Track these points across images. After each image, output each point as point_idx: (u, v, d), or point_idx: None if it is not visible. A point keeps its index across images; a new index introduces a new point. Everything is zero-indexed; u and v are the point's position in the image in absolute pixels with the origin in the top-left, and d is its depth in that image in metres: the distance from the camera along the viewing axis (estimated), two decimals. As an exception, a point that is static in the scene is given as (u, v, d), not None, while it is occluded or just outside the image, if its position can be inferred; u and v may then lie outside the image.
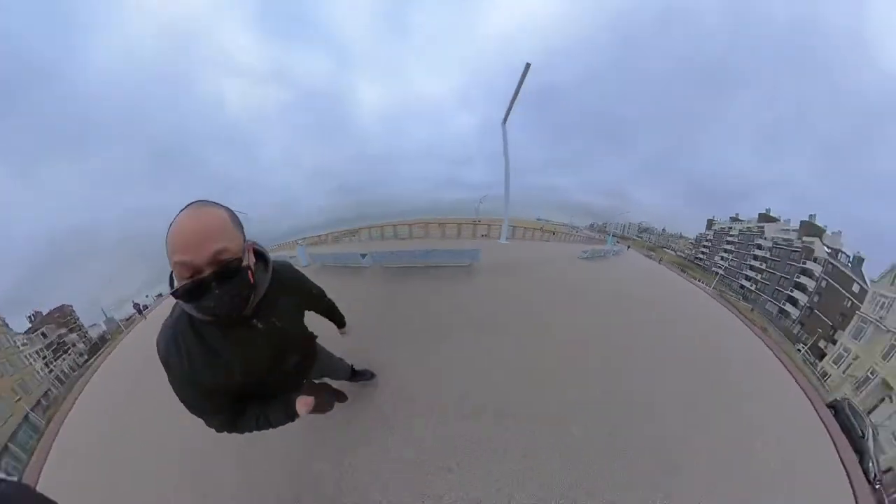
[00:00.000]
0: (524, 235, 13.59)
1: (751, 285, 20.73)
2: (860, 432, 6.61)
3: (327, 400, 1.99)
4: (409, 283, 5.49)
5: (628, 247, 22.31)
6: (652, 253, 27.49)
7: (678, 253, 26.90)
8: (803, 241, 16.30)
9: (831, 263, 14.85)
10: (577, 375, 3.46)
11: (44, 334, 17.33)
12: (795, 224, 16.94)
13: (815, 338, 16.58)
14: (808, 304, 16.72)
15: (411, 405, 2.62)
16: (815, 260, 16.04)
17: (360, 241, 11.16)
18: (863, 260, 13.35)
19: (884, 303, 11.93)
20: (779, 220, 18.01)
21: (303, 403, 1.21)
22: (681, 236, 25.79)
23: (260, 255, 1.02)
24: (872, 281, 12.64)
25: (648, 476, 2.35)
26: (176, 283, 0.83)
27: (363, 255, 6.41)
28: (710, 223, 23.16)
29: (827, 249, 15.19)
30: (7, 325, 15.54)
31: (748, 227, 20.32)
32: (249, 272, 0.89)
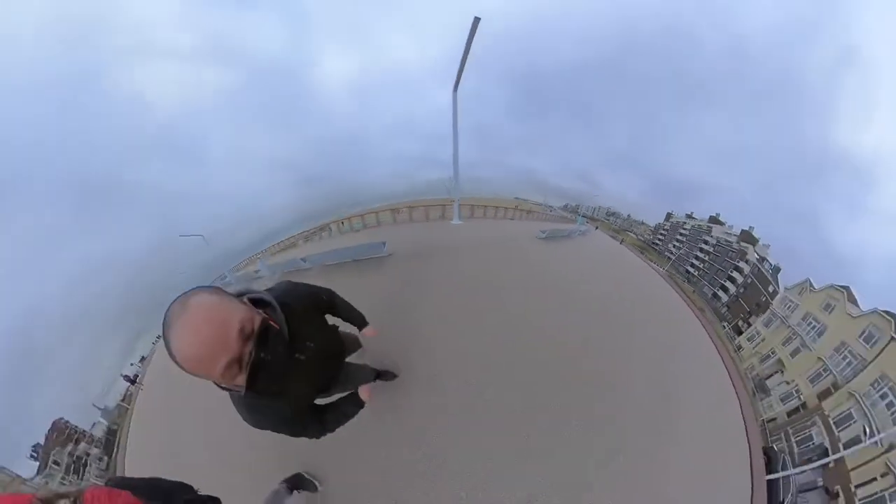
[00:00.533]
0: (496, 215, 12.79)
1: (694, 271, 25.24)
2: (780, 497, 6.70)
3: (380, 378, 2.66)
4: (334, 277, 5.42)
5: (596, 227, 25.23)
6: (616, 235, 31.19)
7: (639, 237, 30.96)
8: (740, 245, 20.43)
9: (758, 267, 19.12)
10: (525, 353, 3.71)
11: (56, 462, 15.97)
12: (737, 230, 20.96)
13: (736, 319, 21.54)
14: (735, 294, 21.34)
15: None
16: (746, 261, 20.27)
17: (331, 238, 10.38)
18: (780, 270, 17.73)
19: (790, 305, 16.19)
20: (724, 224, 22.01)
21: (365, 392, 1.55)
22: (642, 223, 29.64)
23: (260, 302, 1.04)
24: (786, 287, 16.86)
25: (598, 449, 2.91)
26: (234, 386, 0.88)
27: (303, 260, 6.27)
28: (668, 216, 27.01)
29: (756, 256, 19.40)
30: (21, 477, 14.34)
31: (699, 225, 24.32)
32: (270, 322, 0.95)
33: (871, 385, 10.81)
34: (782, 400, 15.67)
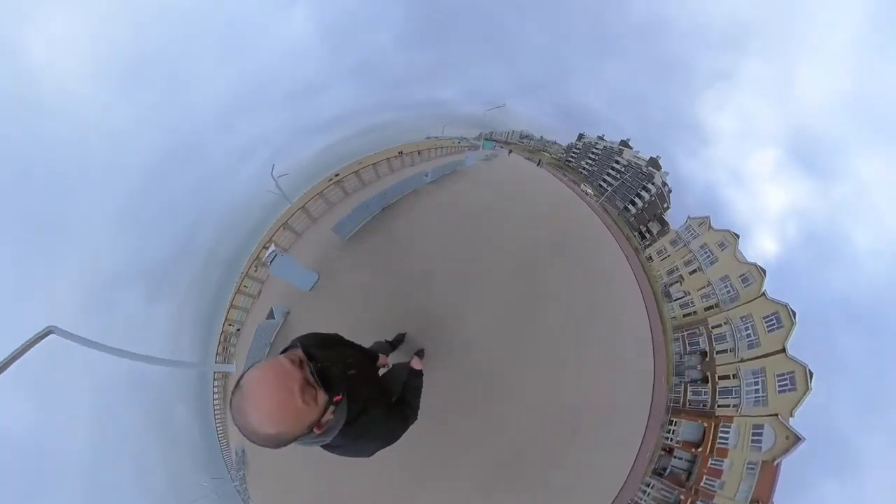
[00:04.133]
0: (388, 169, 10.49)
1: (607, 186, 27.72)
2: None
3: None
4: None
5: (510, 151, 25.62)
6: (532, 156, 31.45)
7: (553, 156, 31.68)
8: (648, 170, 22.52)
9: (660, 189, 21.75)
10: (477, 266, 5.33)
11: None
12: (644, 156, 22.73)
13: (640, 226, 25.43)
14: (641, 207, 24.54)
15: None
16: (652, 183, 22.76)
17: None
18: (671, 190, 20.84)
19: (692, 233, 19.38)
20: (633, 149, 23.49)
21: (416, 363, 1.86)
22: (555, 143, 30.00)
23: (306, 351, 1.06)
24: (689, 216, 19.85)
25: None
26: (326, 421, 1.01)
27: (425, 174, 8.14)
28: (580, 136, 27.56)
29: (661, 180, 21.80)
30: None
31: (610, 146, 25.54)
32: (315, 366, 0.99)
33: (741, 318, 14.54)
34: (681, 307, 20.15)
